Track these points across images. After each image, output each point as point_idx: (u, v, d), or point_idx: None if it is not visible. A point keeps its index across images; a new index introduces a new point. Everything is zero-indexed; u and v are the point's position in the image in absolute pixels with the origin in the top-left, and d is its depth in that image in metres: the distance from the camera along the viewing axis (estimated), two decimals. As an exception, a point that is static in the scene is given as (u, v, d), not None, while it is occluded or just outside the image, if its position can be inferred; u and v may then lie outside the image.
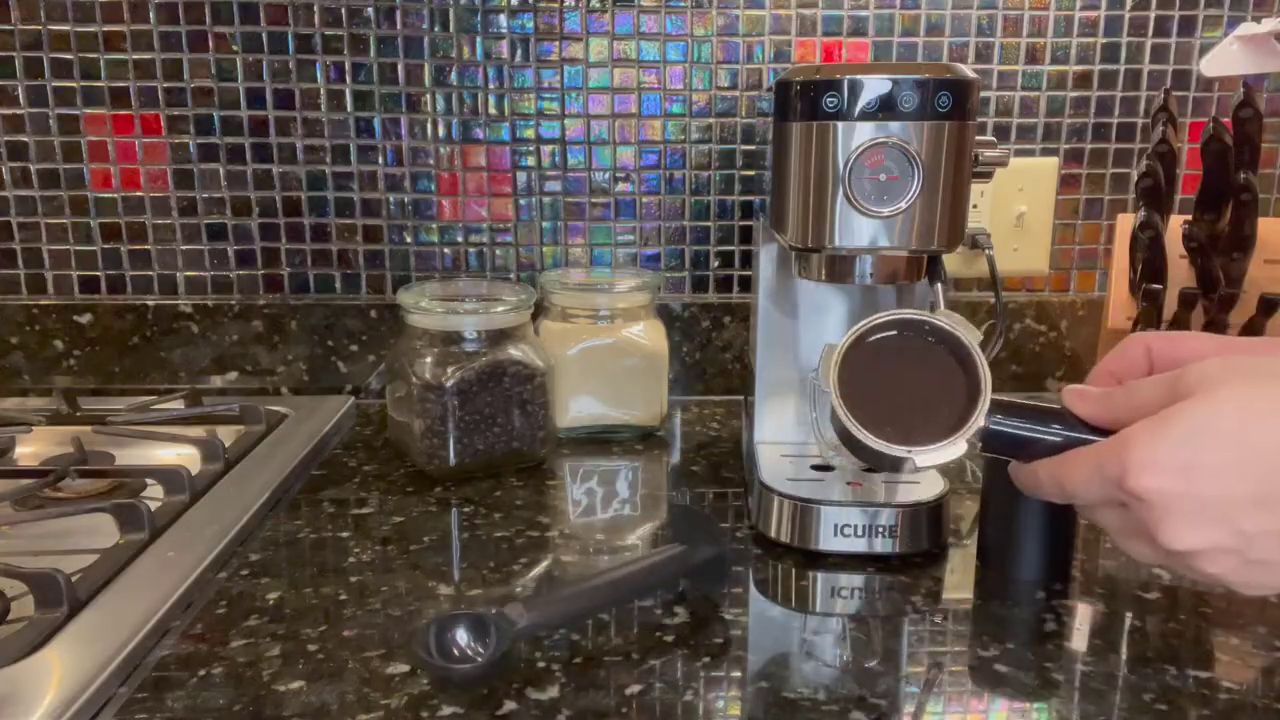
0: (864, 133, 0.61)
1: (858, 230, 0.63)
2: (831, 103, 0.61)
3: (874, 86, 0.60)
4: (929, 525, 0.69)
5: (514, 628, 0.54)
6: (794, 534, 0.69)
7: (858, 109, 0.61)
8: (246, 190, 1.04)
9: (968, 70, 0.63)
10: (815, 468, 0.75)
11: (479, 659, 0.53)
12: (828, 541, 0.68)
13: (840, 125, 0.61)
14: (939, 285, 0.68)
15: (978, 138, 0.65)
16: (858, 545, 0.68)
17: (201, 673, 0.54)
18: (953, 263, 1.02)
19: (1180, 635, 0.59)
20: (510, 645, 0.54)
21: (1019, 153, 1.04)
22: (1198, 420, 0.40)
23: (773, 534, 0.70)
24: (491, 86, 1.02)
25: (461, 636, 0.54)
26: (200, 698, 0.52)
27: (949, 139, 0.62)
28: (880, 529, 0.68)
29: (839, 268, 0.67)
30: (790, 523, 0.70)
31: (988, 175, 0.67)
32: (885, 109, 0.60)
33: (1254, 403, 0.39)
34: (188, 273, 1.05)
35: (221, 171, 1.03)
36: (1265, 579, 0.41)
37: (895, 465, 0.54)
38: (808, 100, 0.62)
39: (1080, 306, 1.08)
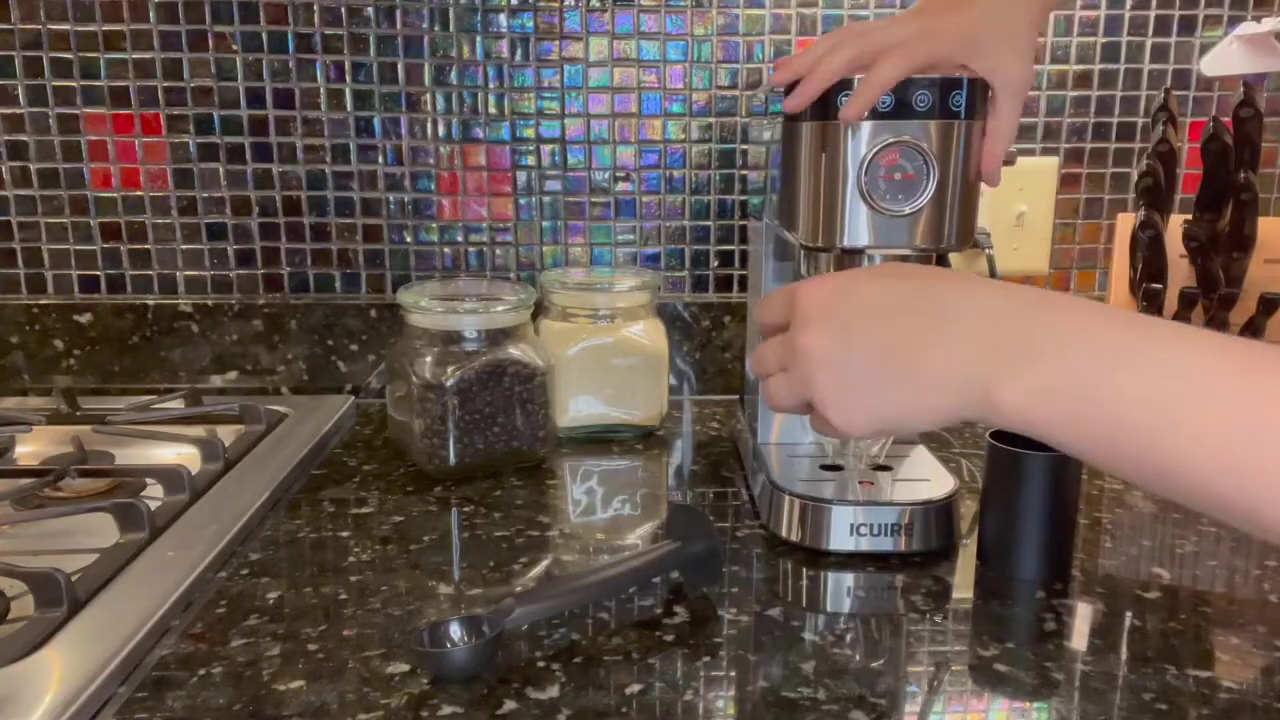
0: (878, 132, 0.61)
1: (871, 229, 0.63)
2: (846, 102, 0.61)
3: None
4: (939, 524, 0.69)
5: (505, 617, 0.54)
6: (805, 533, 0.69)
7: (873, 109, 0.61)
8: (246, 190, 1.04)
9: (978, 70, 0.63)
10: (824, 467, 0.75)
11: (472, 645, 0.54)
12: (839, 541, 0.68)
13: (852, 125, 0.61)
14: None
15: None
16: (869, 544, 0.68)
17: (201, 672, 0.54)
18: (954, 262, 1.02)
19: (1180, 635, 0.59)
20: (503, 634, 0.54)
21: (1019, 152, 1.04)
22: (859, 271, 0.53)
23: (784, 534, 0.70)
24: (491, 86, 1.02)
25: (455, 630, 0.55)
26: (200, 697, 0.52)
27: (963, 138, 0.62)
28: (892, 528, 0.68)
29: (848, 266, 0.67)
30: (801, 522, 0.70)
31: None
32: (900, 108, 0.61)
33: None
34: (188, 272, 1.05)
35: (221, 171, 1.03)
36: (853, 404, 0.48)
37: None
38: (819, 100, 0.63)
39: (1080, 306, 1.07)
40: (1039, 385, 0.42)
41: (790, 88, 0.65)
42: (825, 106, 0.62)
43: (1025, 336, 0.43)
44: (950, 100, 0.61)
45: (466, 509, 0.78)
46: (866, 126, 0.62)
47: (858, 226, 0.63)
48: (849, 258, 0.67)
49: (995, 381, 0.43)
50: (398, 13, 1.00)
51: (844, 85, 0.61)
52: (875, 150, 0.61)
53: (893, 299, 0.48)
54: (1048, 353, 0.42)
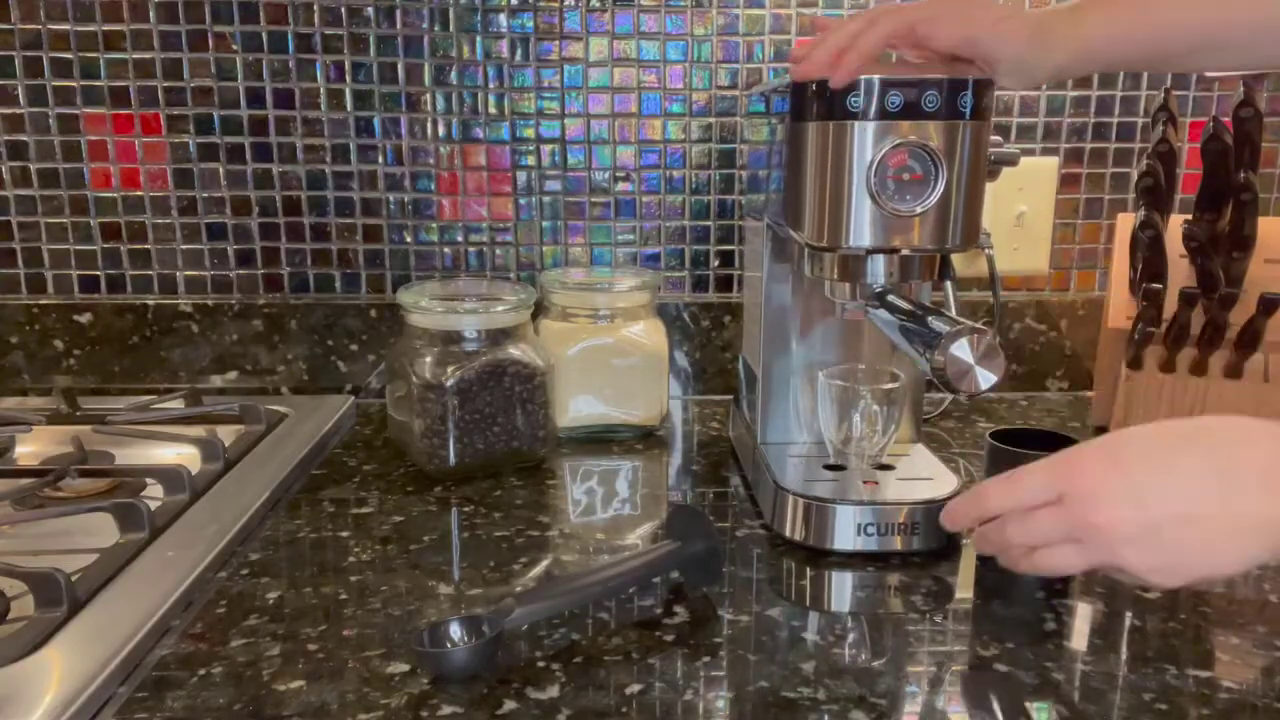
0: (886, 133, 0.61)
1: (878, 229, 0.63)
2: (855, 103, 0.61)
3: (897, 87, 0.60)
4: None
5: (505, 617, 0.55)
6: (809, 533, 0.70)
7: (881, 109, 0.61)
8: (246, 190, 1.04)
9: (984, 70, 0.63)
10: (828, 467, 0.75)
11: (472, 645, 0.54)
12: (844, 540, 0.68)
13: (859, 125, 0.61)
14: (948, 283, 0.69)
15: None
16: (874, 544, 0.68)
17: (201, 672, 0.54)
18: (955, 262, 1.02)
19: (1180, 635, 0.59)
20: (503, 633, 0.55)
21: (1019, 152, 1.04)
22: (1119, 437, 0.52)
23: (788, 533, 0.70)
24: (491, 86, 1.02)
25: (455, 630, 0.55)
26: (200, 697, 0.52)
27: (969, 139, 0.62)
28: (897, 526, 0.68)
29: (853, 266, 0.67)
30: (805, 522, 0.70)
31: (995, 174, 0.67)
32: (908, 109, 0.61)
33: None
34: (188, 272, 1.05)
35: (221, 171, 1.03)
36: (1169, 566, 0.49)
37: None
38: (825, 100, 0.63)
39: (1080, 306, 1.08)
40: None
41: (800, 90, 0.65)
42: (832, 106, 0.62)
43: None
44: (957, 101, 0.61)
45: (466, 509, 0.78)
46: (873, 127, 0.62)
47: (863, 226, 0.63)
48: (854, 259, 0.67)
49: None
50: (398, 13, 1.00)
51: (850, 87, 0.61)
52: (884, 151, 0.61)
53: (1169, 448, 0.49)
54: None
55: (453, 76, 1.02)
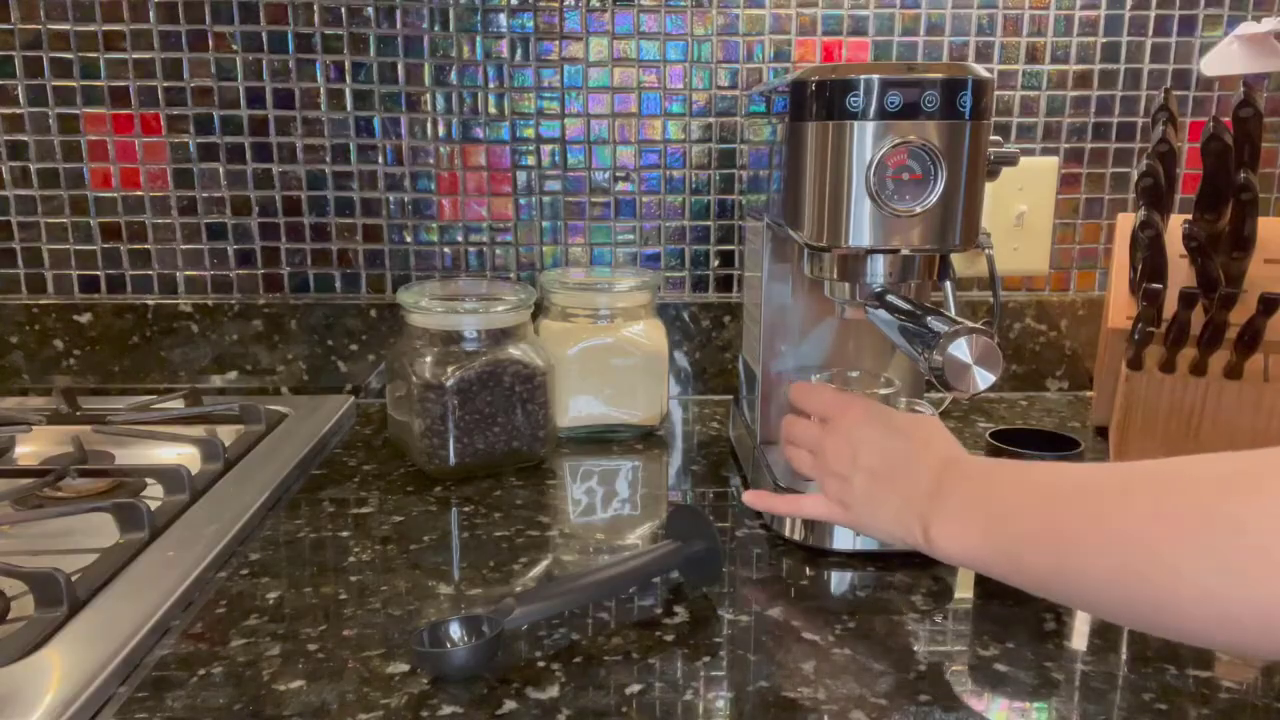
0: (886, 132, 0.61)
1: (877, 228, 0.63)
2: (855, 103, 0.61)
3: (896, 87, 0.61)
4: None
5: (505, 617, 0.55)
6: (809, 533, 0.70)
7: (881, 109, 0.61)
8: (246, 190, 1.04)
9: (984, 70, 0.63)
10: None
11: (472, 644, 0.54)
12: (844, 540, 0.68)
13: (859, 125, 0.61)
14: (948, 283, 0.69)
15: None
16: (873, 543, 0.68)
17: (201, 672, 0.54)
18: (955, 262, 1.02)
19: (1180, 635, 0.59)
20: (503, 633, 0.55)
21: (1019, 152, 1.04)
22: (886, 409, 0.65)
23: (787, 533, 0.71)
24: (491, 86, 1.02)
25: (455, 630, 0.55)
26: (200, 697, 0.52)
27: (968, 139, 0.62)
28: None
29: (853, 266, 0.67)
30: (805, 523, 0.70)
31: (994, 174, 0.67)
32: (908, 109, 0.61)
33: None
34: (188, 272, 1.05)
35: (221, 171, 1.03)
36: (844, 503, 0.62)
37: None
38: (824, 100, 0.63)
39: (1080, 306, 1.08)
40: (956, 529, 0.54)
41: (799, 90, 0.65)
42: (832, 106, 0.62)
43: (948, 492, 0.55)
44: (957, 101, 0.61)
45: (466, 509, 0.78)
46: (873, 127, 0.62)
47: (862, 226, 0.63)
48: (853, 259, 0.67)
49: (928, 524, 0.55)
50: (398, 13, 1.00)
51: (850, 86, 0.61)
52: (883, 151, 0.61)
53: (891, 447, 0.59)
54: (957, 503, 0.54)
55: (453, 76, 1.02)
